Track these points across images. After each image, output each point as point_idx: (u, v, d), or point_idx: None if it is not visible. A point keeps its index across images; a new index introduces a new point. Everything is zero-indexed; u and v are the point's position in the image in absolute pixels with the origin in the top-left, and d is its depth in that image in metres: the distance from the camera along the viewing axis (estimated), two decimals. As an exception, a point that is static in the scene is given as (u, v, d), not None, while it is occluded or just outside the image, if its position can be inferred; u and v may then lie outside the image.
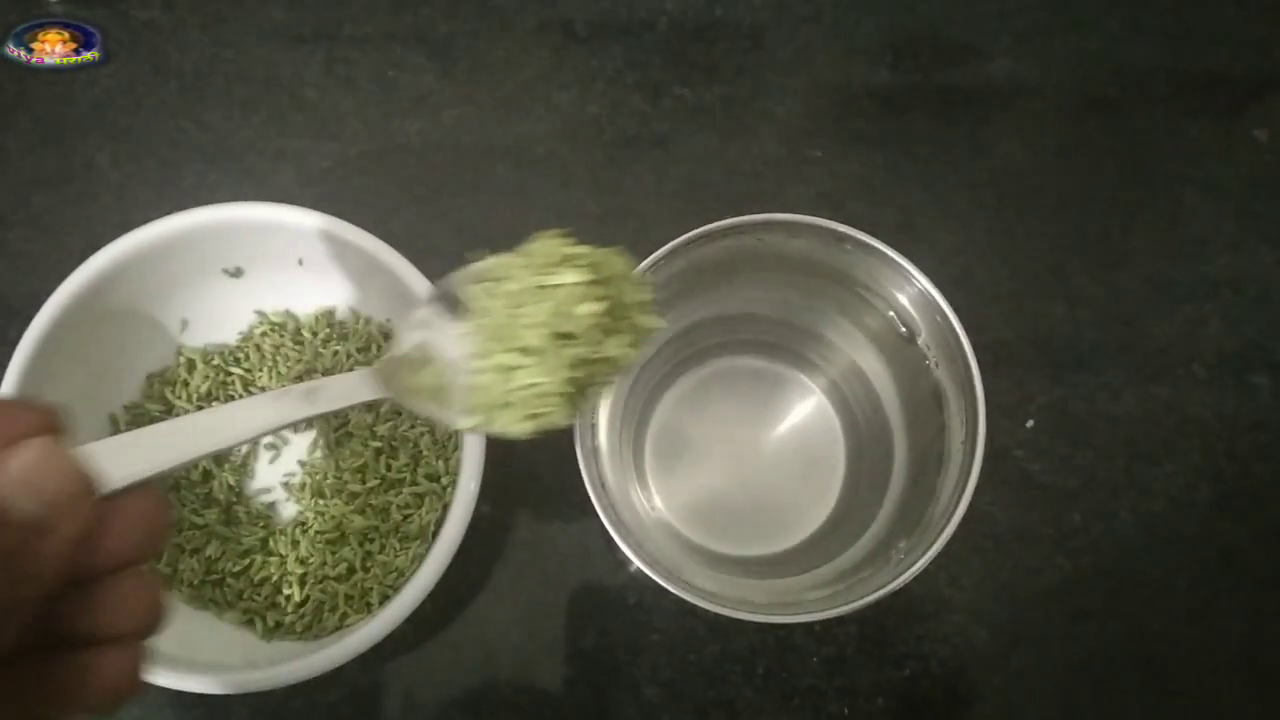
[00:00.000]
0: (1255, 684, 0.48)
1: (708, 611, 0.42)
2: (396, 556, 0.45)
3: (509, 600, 0.48)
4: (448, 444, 0.46)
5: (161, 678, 0.40)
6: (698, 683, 0.47)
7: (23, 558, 0.22)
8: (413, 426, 0.47)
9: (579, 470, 0.43)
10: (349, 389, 0.33)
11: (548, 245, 0.36)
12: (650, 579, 0.42)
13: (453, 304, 0.36)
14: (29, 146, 0.54)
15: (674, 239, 0.44)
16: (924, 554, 0.41)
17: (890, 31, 0.56)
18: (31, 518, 0.23)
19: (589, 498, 0.42)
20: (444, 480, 0.46)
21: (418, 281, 0.43)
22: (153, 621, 0.26)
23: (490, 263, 0.36)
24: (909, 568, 0.41)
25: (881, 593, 0.41)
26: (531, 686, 0.48)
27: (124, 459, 0.26)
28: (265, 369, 0.48)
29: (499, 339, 0.34)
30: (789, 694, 0.47)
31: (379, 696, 0.47)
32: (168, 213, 0.44)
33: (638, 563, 0.41)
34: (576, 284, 0.34)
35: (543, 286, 0.35)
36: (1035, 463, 0.50)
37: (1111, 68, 0.56)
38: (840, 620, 0.47)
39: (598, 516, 0.42)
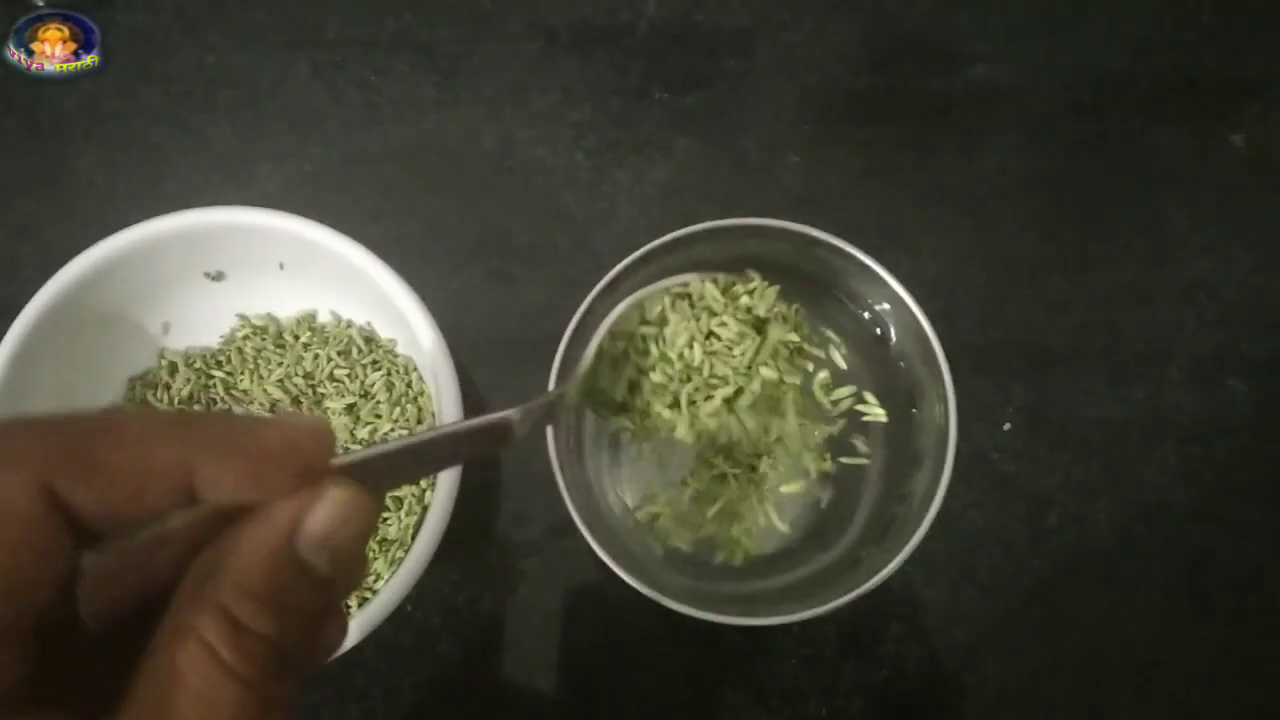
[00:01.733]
0: (1229, 685, 0.48)
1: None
2: (374, 560, 0.45)
3: (490, 603, 0.49)
4: None
5: None
6: (677, 684, 0.48)
7: (316, 613, 0.22)
8: (392, 429, 0.47)
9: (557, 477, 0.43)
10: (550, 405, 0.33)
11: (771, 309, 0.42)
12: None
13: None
14: (11, 150, 0.54)
15: (653, 243, 0.44)
16: (898, 555, 0.41)
17: (871, 37, 0.56)
18: (326, 578, 0.22)
19: (568, 502, 0.43)
20: (423, 484, 0.46)
21: (396, 287, 0.43)
22: (359, 586, 0.27)
23: (692, 281, 0.42)
24: (883, 568, 0.41)
25: (856, 593, 0.41)
26: (512, 688, 0.48)
27: (383, 481, 0.26)
28: (247, 372, 0.49)
29: (688, 379, 0.41)
30: (767, 695, 0.47)
31: (360, 698, 0.48)
32: (150, 216, 0.44)
33: (613, 566, 0.42)
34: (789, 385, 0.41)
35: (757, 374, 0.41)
36: (1012, 465, 0.50)
37: (1090, 74, 0.56)
38: (818, 621, 0.47)
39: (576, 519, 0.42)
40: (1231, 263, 0.53)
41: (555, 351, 0.44)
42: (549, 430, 0.42)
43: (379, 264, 0.43)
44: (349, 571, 0.23)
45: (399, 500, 0.46)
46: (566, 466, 0.42)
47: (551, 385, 0.43)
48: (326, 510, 0.22)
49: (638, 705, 0.47)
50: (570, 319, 0.44)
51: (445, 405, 0.42)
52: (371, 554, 0.45)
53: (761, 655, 0.48)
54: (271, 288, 0.48)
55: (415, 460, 0.27)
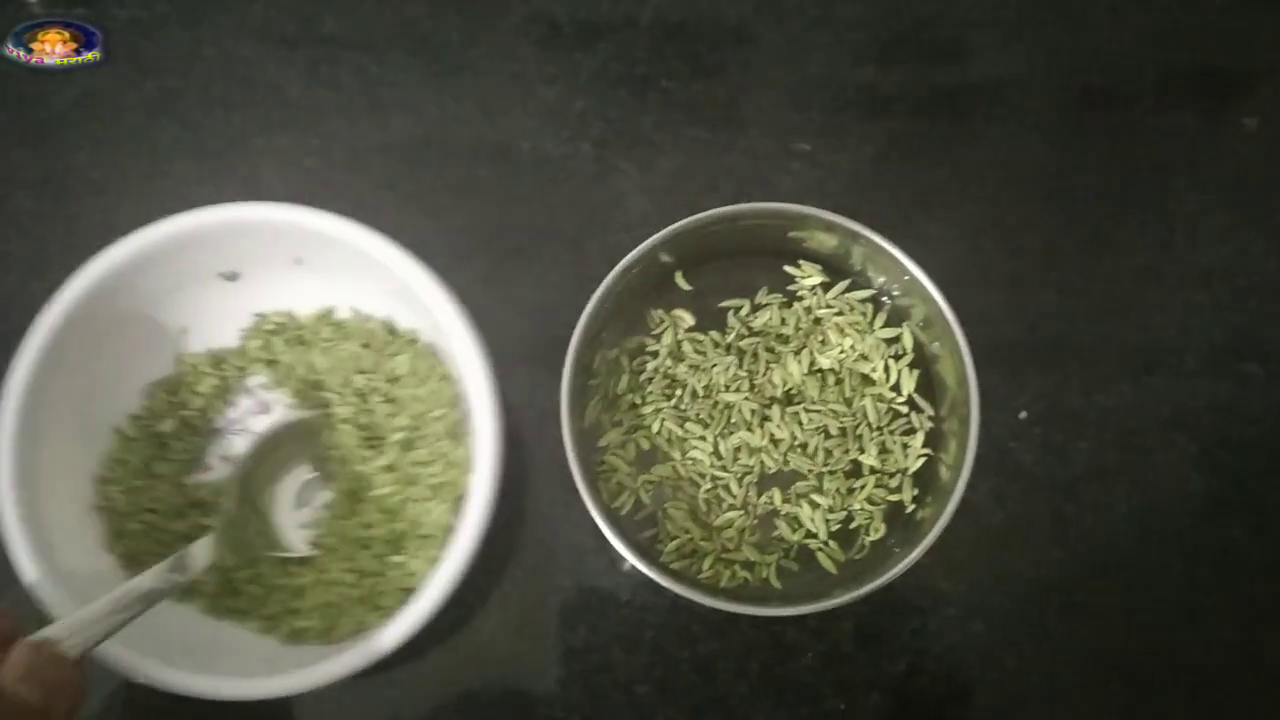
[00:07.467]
0: (1249, 674, 0.48)
1: (701, 609, 0.42)
2: (413, 559, 0.44)
3: (501, 600, 0.48)
4: (461, 434, 0.46)
5: (188, 684, 0.39)
6: (692, 680, 0.47)
7: None
8: (427, 410, 0.46)
9: (570, 470, 0.42)
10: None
11: None
12: (644, 577, 0.41)
13: None
14: (6, 146, 0.53)
15: (663, 231, 0.44)
16: (917, 547, 0.40)
17: (878, 24, 0.55)
18: (39, 703, 0.30)
19: (580, 496, 0.42)
20: (455, 472, 0.45)
21: (420, 277, 0.42)
22: (81, 708, 0.33)
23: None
24: (902, 561, 0.40)
25: (875, 585, 0.40)
26: (524, 687, 0.47)
27: (78, 639, 0.33)
28: (269, 370, 0.48)
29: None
30: (784, 690, 0.47)
31: (368, 697, 0.47)
32: (150, 212, 0.43)
33: (628, 557, 0.41)
34: None
35: None
36: (1028, 454, 0.49)
37: (1100, 60, 0.55)
38: (835, 615, 0.47)
39: (589, 516, 0.42)
40: (1246, 248, 0.52)
41: (564, 346, 0.43)
42: (564, 421, 0.42)
43: (402, 254, 0.42)
44: (62, 693, 0.31)
45: (435, 488, 0.45)
46: (581, 458, 0.42)
47: (564, 384, 0.43)
48: (18, 653, 0.30)
49: (653, 701, 0.47)
50: (577, 313, 0.44)
51: (474, 387, 0.41)
52: (410, 552, 0.44)
53: (777, 650, 0.47)
54: (288, 284, 0.47)
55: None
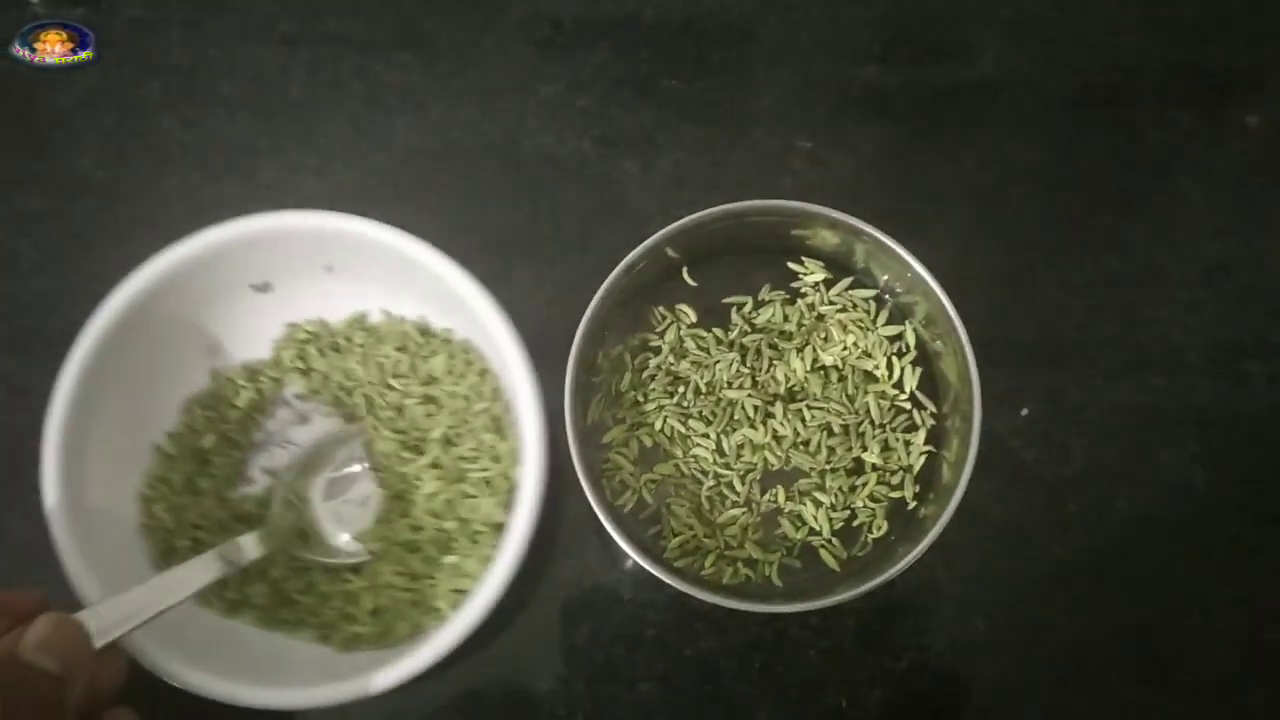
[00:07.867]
0: (1252, 672, 0.48)
1: (704, 606, 0.42)
2: (465, 559, 0.44)
3: (503, 597, 0.48)
4: (504, 427, 0.46)
5: (243, 695, 0.39)
6: (693, 677, 0.47)
7: (53, 706, 0.31)
8: (467, 404, 0.46)
9: (573, 468, 0.42)
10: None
11: None
12: (646, 574, 0.41)
13: None
14: (10, 146, 0.53)
15: (663, 230, 0.44)
16: (919, 545, 0.40)
17: (879, 22, 0.55)
18: (55, 674, 0.31)
19: (582, 494, 0.42)
20: (501, 466, 0.45)
21: (457, 275, 0.42)
22: (113, 679, 0.34)
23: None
24: (904, 558, 0.40)
25: (876, 582, 0.41)
26: (526, 684, 0.47)
27: (109, 621, 0.34)
28: (304, 380, 0.48)
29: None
30: (786, 687, 0.47)
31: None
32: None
33: (632, 554, 0.41)
34: None
35: None
36: (1030, 451, 0.49)
37: (1101, 58, 0.55)
38: (837, 612, 0.47)
39: (592, 513, 0.42)
40: (1248, 244, 0.52)
41: (565, 345, 0.43)
42: (568, 419, 0.42)
43: (435, 252, 0.42)
44: (79, 668, 0.32)
45: (481, 483, 0.45)
46: (585, 456, 0.42)
47: (568, 382, 0.43)
48: (39, 625, 0.31)
49: (656, 698, 0.47)
50: (579, 311, 0.44)
51: (517, 379, 0.41)
52: (463, 552, 0.44)
53: (779, 647, 0.47)
54: (319, 292, 0.47)
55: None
